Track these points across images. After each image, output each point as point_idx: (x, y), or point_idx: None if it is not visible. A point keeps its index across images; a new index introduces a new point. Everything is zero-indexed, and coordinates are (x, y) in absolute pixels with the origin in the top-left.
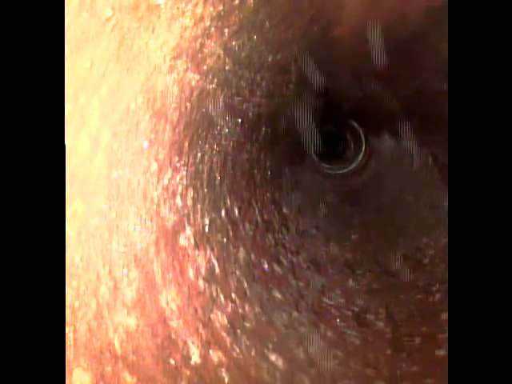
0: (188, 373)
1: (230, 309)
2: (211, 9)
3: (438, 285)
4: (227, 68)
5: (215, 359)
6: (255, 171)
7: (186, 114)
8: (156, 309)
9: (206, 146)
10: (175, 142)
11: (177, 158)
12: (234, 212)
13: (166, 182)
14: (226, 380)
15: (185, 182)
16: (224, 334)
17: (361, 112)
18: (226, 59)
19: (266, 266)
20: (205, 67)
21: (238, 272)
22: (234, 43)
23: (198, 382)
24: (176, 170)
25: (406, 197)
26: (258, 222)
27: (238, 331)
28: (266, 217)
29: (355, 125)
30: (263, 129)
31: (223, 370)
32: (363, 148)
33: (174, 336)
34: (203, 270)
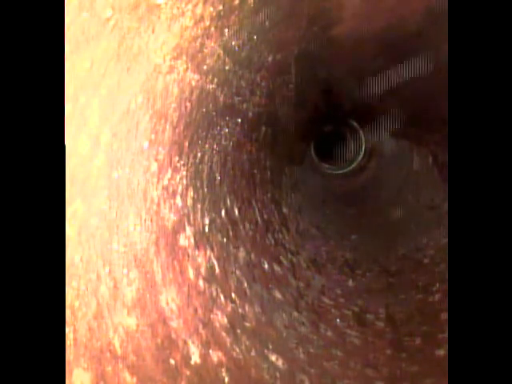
0: (188, 373)
1: (229, 309)
2: (211, 9)
3: (437, 285)
4: (227, 68)
5: (215, 359)
6: (255, 171)
7: (186, 114)
8: (156, 309)
9: (206, 146)
10: (175, 142)
11: (177, 158)
12: (234, 212)
13: (165, 182)
14: (226, 380)
15: (185, 181)
16: (224, 333)
17: (361, 112)
18: (226, 59)
19: (266, 265)
20: (205, 67)
21: (238, 272)
22: (233, 43)
23: (198, 382)
24: (176, 170)
25: (406, 197)
26: (257, 222)
27: (238, 331)
28: (265, 217)
29: (355, 125)
30: (263, 129)
31: (223, 370)
32: (363, 148)
33: (174, 336)
34: (203, 270)
